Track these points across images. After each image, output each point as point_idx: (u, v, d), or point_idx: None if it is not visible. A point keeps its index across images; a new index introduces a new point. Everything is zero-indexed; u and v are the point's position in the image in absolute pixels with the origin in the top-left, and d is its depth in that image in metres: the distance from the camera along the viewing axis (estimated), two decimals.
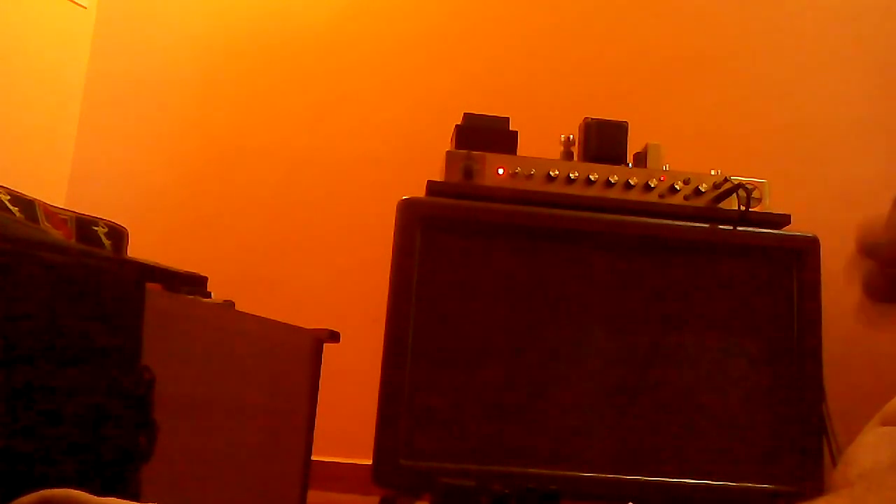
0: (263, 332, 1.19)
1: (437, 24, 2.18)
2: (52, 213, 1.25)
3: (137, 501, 0.79)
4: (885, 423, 0.55)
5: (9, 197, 1.18)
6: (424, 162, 1.66)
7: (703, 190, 1.45)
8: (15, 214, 1.16)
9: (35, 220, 1.20)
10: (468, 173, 1.42)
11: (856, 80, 1.90)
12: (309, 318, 1.39)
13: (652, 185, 1.45)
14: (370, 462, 1.32)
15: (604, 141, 1.50)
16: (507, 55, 2.11)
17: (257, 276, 2.08)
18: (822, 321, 1.40)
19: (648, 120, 1.79)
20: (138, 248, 1.42)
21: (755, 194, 1.45)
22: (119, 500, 0.60)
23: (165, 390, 0.87)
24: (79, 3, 2.34)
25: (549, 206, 1.42)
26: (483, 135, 1.49)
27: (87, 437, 0.75)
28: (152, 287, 0.94)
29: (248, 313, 1.16)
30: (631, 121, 1.54)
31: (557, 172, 1.44)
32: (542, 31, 2.11)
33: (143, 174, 2.28)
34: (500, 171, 1.43)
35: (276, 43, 2.27)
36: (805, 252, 1.41)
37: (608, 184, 1.44)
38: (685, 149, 1.70)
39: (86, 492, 0.60)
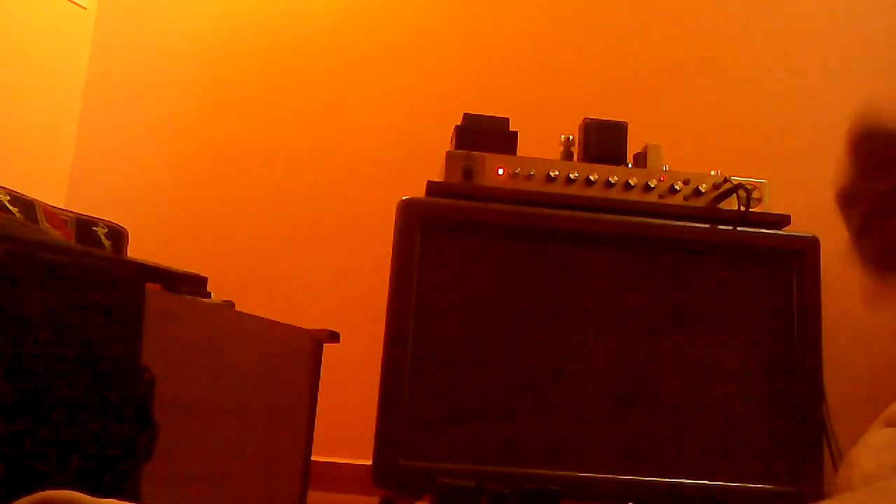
0: (263, 332, 1.19)
1: (437, 24, 2.18)
2: (52, 214, 1.25)
3: (137, 501, 0.79)
4: (888, 425, 0.55)
5: (9, 197, 1.18)
6: (424, 162, 1.66)
7: (703, 190, 1.45)
8: (15, 215, 1.16)
9: (35, 220, 1.20)
10: (468, 173, 1.42)
11: (856, 80, 1.90)
12: (309, 318, 1.39)
13: (652, 186, 1.45)
14: (370, 462, 1.32)
15: (604, 141, 1.50)
16: (507, 55, 2.11)
17: (257, 276, 2.08)
18: (822, 321, 1.40)
19: (648, 120, 1.79)
20: (138, 248, 1.42)
21: (755, 194, 1.45)
22: (118, 501, 0.60)
23: (165, 390, 0.87)
24: (79, 3, 2.34)
25: (548, 207, 1.42)
26: (483, 135, 1.49)
27: (88, 436, 0.75)
28: (152, 287, 0.94)
29: (248, 313, 1.16)
30: (631, 121, 1.54)
31: (557, 173, 1.44)
32: (542, 32, 2.11)
33: (143, 174, 2.28)
34: (500, 171, 1.43)
35: (276, 43, 2.27)
36: (805, 252, 1.41)
37: (608, 184, 1.44)
38: (685, 149, 1.71)
39: (85, 492, 0.60)
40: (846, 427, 1.40)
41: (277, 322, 1.22)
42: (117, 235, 1.38)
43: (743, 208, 1.42)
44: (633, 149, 1.53)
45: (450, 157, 1.44)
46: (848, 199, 0.48)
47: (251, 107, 2.25)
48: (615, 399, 1.37)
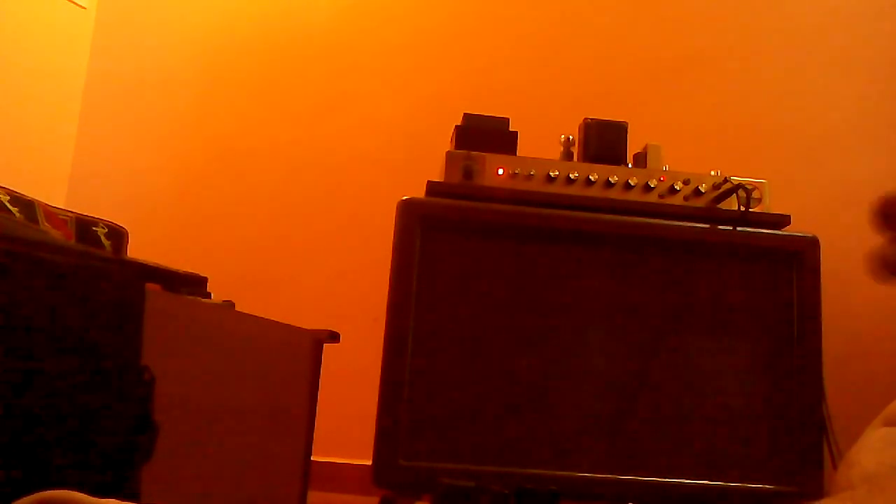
0: (263, 332, 1.19)
1: (437, 24, 2.18)
2: (52, 214, 1.25)
3: (137, 501, 0.79)
4: (887, 424, 0.55)
5: (9, 197, 1.18)
6: (424, 162, 1.66)
7: (703, 190, 1.45)
8: (15, 214, 1.16)
9: (35, 220, 1.20)
10: (468, 174, 1.42)
11: (856, 80, 1.90)
12: (309, 318, 1.39)
13: (652, 186, 1.45)
14: (370, 462, 1.32)
15: (604, 141, 1.50)
16: (507, 55, 2.11)
17: (257, 276, 2.08)
18: (822, 321, 1.40)
19: (648, 120, 1.79)
20: (138, 249, 1.42)
21: (755, 194, 1.45)
22: (118, 501, 0.60)
23: (165, 390, 0.87)
24: (79, 3, 2.34)
25: (548, 207, 1.42)
26: (483, 135, 1.49)
27: (88, 437, 0.75)
28: (152, 287, 0.94)
29: (248, 313, 1.16)
30: (631, 121, 1.54)
31: (557, 173, 1.44)
32: (542, 31, 2.11)
33: (143, 174, 2.28)
34: (500, 171, 1.43)
35: (276, 43, 2.27)
36: (805, 252, 1.41)
37: (608, 184, 1.44)
38: (685, 149, 1.71)
39: (85, 492, 0.60)
40: (846, 427, 1.40)
41: (277, 322, 1.22)
42: (117, 235, 1.38)
43: (743, 208, 1.42)
44: (633, 149, 1.53)
45: (450, 157, 1.44)
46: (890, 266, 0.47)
47: (251, 107, 2.25)
48: (615, 399, 1.37)
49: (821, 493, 1.33)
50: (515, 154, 1.49)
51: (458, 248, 1.39)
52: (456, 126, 1.51)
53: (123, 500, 0.61)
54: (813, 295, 1.40)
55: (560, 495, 0.93)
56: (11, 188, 1.21)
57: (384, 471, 1.31)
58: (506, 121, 1.52)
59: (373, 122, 2.15)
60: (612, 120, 1.52)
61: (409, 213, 1.38)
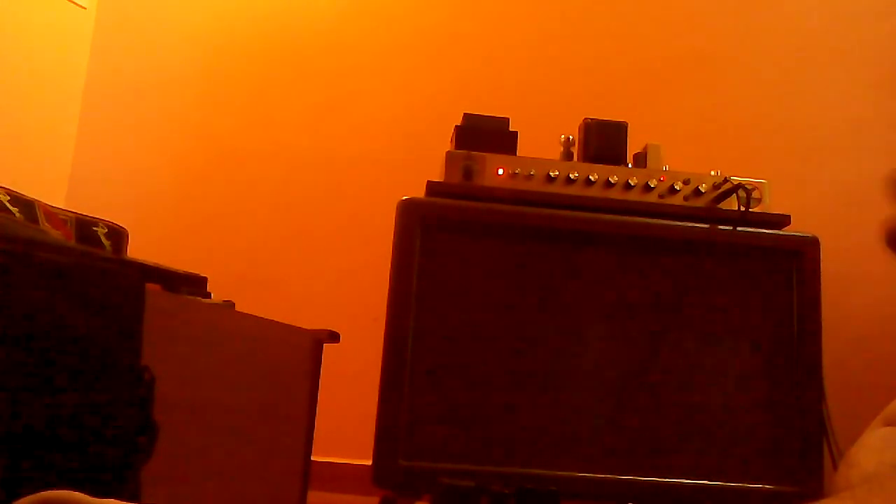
0: (263, 332, 1.19)
1: (437, 24, 2.18)
2: (52, 214, 1.25)
3: (137, 501, 0.79)
4: (887, 424, 0.55)
5: (9, 197, 1.18)
6: (424, 162, 1.66)
7: (703, 190, 1.45)
8: (15, 215, 1.16)
9: (35, 220, 1.20)
10: (468, 174, 1.42)
11: (856, 80, 1.90)
12: (309, 318, 1.39)
13: (652, 186, 1.45)
14: (370, 462, 1.32)
15: (603, 141, 1.50)
16: (507, 55, 2.11)
17: (257, 276, 2.08)
18: (822, 321, 1.40)
19: (648, 120, 1.79)
20: (138, 249, 1.42)
21: (755, 194, 1.45)
22: (118, 501, 0.60)
23: (165, 390, 0.87)
24: (79, 3, 2.34)
25: (548, 207, 1.42)
26: (483, 135, 1.49)
27: (87, 437, 0.75)
28: (152, 287, 0.94)
29: (247, 313, 1.16)
30: (631, 121, 1.54)
31: (557, 173, 1.44)
32: (542, 31, 2.11)
33: (143, 174, 2.28)
34: (500, 171, 1.43)
35: (276, 43, 2.27)
36: (805, 252, 1.41)
37: (608, 184, 1.44)
38: (685, 149, 1.71)
39: (85, 492, 0.60)
40: (846, 427, 1.40)
41: (277, 322, 1.22)
42: (117, 235, 1.38)
43: (743, 208, 1.42)
44: (633, 149, 1.53)
45: (450, 157, 1.44)
46: None
47: (251, 107, 2.25)
48: (615, 399, 1.37)
49: (821, 493, 1.33)
50: (515, 154, 1.49)
51: (458, 248, 1.39)
52: (456, 126, 1.51)
53: (123, 501, 0.61)
54: (813, 295, 1.40)
55: (560, 495, 0.93)
56: (11, 188, 1.21)
57: (384, 471, 1.31)
58: (506, 121, 1.52)
59: (373, 122, 2.15)
60: (612, 120, 1.52)
61: (409, 213, 1.38)
